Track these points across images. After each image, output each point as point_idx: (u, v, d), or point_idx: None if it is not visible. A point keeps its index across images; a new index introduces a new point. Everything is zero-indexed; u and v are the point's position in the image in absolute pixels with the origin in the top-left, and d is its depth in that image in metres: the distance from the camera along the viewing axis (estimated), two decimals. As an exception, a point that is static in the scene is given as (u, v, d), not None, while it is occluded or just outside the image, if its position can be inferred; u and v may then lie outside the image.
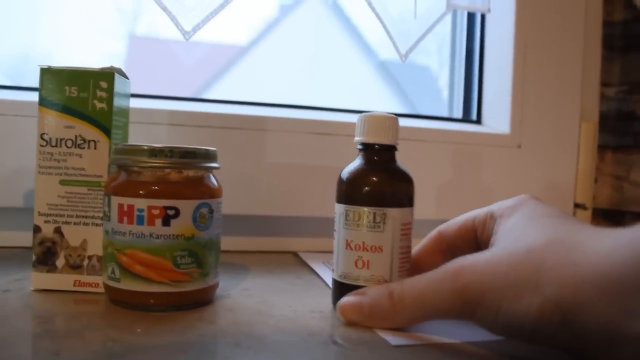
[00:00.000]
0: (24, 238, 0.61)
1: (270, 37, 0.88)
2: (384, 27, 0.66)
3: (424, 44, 0.91)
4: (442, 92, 0.99)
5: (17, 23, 0.74)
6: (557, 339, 0.34)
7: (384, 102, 0.94)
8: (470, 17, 0.86)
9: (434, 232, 0.49)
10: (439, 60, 0.98)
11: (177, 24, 0.62)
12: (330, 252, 0.46)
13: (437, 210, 0.74)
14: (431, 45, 0.95)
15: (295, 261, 0.65)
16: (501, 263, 0.36)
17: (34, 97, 0.47)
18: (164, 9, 0.62)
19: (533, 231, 0.37)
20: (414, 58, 0.96)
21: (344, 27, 0.93)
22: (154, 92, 0.73)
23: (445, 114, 0.88)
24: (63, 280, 0.46)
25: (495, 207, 0.43)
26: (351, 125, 0.65)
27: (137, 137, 0.56)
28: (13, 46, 0.76)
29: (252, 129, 0.68)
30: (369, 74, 0.95)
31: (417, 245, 0.48)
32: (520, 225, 0.39)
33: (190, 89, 0.83)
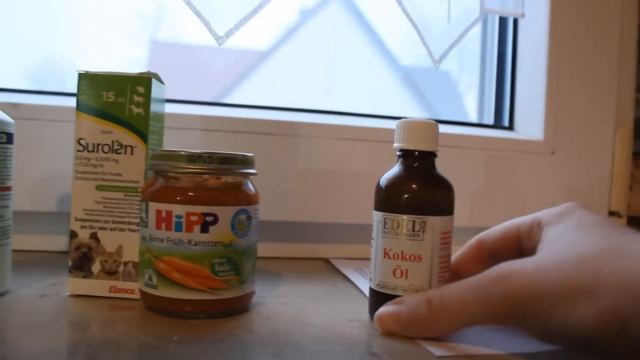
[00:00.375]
0: (59, 242, 0.62)
1: (290, 43, 0.88)
2: (418, 32, 0.66)
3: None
4: (462, 97, 0.98)
5: (40, 29, 0.75)
6: (611, 349, 0.33)
7: (404, 107, 0.93)
8: (502, 21, 0.85)
9: (473, 240, 0.48)
10: (459, 65, 0.97)
11: (210, 29, 0.62)
12: (362, 259, 0.45)
13: (470, 218, 0.72)
14: (453, 51, 0.94)
15: (327, 268, 0.64)
16: (553, 269, 0.35)
17: (68, 102, 0.47)
18: (197, 14, 0.62)
19: (584, 240, 0.36)
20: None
21: (365, 32, 0.92)
22: (177, 97, 0.73)
23: (464, 119, 0.87)
24: (99, 286, 0.46)
25: (541, 214, 0.42)
26: (383, 131, 0.65)
27: (170, 142, 0.56)
28: (36, 52, 0.76)
29: (285, 135, 0.67)
30: (388, 79, 0.94)
31: (456, 253, 0.47)
32: (569, 233, 0.38)
33: (212, 94, 0.83)
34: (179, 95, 0.73)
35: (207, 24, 0.62)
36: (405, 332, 0.40)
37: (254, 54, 0.88)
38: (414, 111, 0.93)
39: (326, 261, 0.67)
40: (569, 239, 0.37)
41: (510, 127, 0.83)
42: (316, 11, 0.92)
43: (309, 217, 0.68)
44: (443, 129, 0.77)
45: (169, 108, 0.65)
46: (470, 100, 0.93)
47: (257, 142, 0.66)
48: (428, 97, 0.94)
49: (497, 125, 0.84)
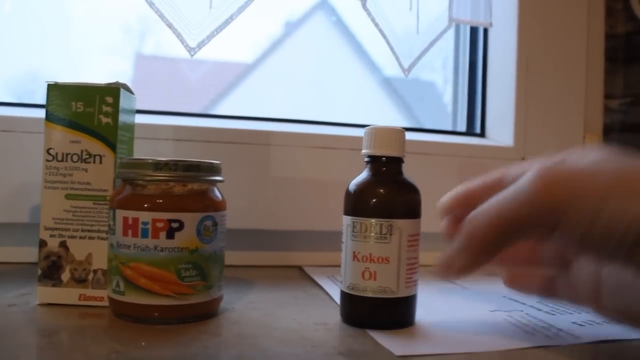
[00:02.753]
0: (30, 253, 0.62)
1: (275, 55, 0.89)
2: (387, 42, 0.67)
3: (429, 60, 0.92)
4: (447, 108, 0.99)
5: (25, 42, 0.75)
6: None
7: (389, 118, 0.94)
8: (474, 31, 0.86)
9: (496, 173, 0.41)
10: (444, 76, 0.99)
11: (182, 41, 0.63)
12: (336, 266, 0.46)
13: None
14: (436, 61, 0.96)
15: (300, 275, 0.65)
16: (602, 163, 0.31)
17: (39, 113, 0.48)
18: (169, 25, 0.62)
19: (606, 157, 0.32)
20: (419, 74, 0.97)
21: (349, 44, 0.94)
22: (162, 110, 0.74)
23: (448, 128, 0.89)
24: (68, 294, 0.46)
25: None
26: (355, 139, 0.66)
27: (144, 152, 0.57)
28: (21, 65, 0.77)
29: (257, 144, 0.68)
30: (374, 91, 0.95)
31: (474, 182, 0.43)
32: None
33: (198, 107, 0.84)
34: (165, 109, 0.74)
35: (179, 35, 0.63)
36: (455, 272, 0.37)
37: (239, 66, 0.89)
38: (399, 122, 0.94)
39: (300, 269, 0.68)
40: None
41: (482, 134, 0.84)
42: (301, 23, 0.93)
43: (282, 225, 0.69)
44: (417, 136, 0.79)
45: (144, 119, 0.65)
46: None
47: (230, 151, 0.67)
48: (413, 108, 0.95)
49: (470, 132, 0.85)
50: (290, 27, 0.91)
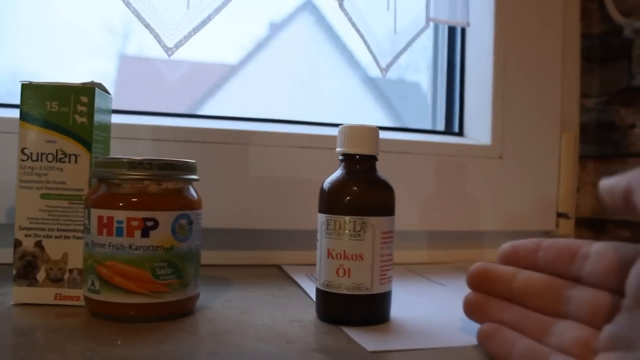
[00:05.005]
0: (6, 255, 0.61)
1: (260, 56, 0.89)
2: (365, 41, 0.68)
3: (414, 60, 0.93)
4: (431, 108, 1.00)
5: (7, 43, 0.75)
6: None
7: (375, 118, 0.94)
8: (452, 30, 0.87)
9: None
10: (428, 76, 0.99)
11: (159, 41, 0.63)
12: (315, 264, 0.46)
13: (421, 222, 0.74)
14: (421, 62, 0.96)
15: (279, 274, 0.65)
16: None
17: (15, 113, 0.48)
18: (147, 25, 0.62)
19: None
20: (404, 75, 0.98)
21: (335, 45, 0.94)
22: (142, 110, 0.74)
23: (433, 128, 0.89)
24: (44, 294, 0.46)
25: None
26: (333, 138, 0.66)
27: (122, 152, 0.57)
28: (3, 66, 0.76)
29: (236, 144, 0.68)
30: (360, 91, 0.95)
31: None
32: None
33: (182, 108, 0.84)
34: (149, 109, 0.74)
35: (156, 36, 0.63)
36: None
37: (224, 67, 0.89)
38: (385, 123, 0.94)
39: (279, 268, 0.68)
40: None
41: (460, 133, 0.85)
42: (286, 24, 0.93)
43: (262, 224, 0.69)
44: (397, 135, 0.79)
45: (123, 119, 0.65)
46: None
47: (209, 151, 0.67)
48: (398, 108, 0.96)
49: (448, 131, 0.86)
50: (275, 28, 0.91)
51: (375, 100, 0.96)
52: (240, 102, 0.85)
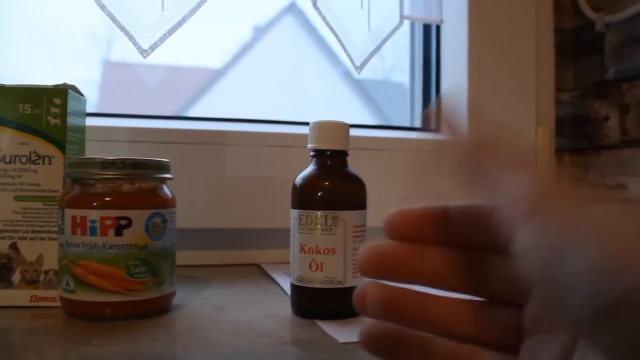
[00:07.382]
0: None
1: (245, 59, 0.90)
2: (339, 39, 0.68)
3: (398, 61, 0.94)
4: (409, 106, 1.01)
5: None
6: None
7: (360, 118, 0.95)
8: (427, 28, 0.88)
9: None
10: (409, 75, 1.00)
11: (134, 43, 0.63)
12: (293, 262, 0.47)
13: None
14: (405, 63, 0.97)
15: (258, 272, 0.66)
16: None
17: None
18: (122, 28, 0.63)
19: None
20: (388, 75, 0.99)
21: (319, 46, 0.94)
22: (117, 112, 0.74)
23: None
24: (19, 296, 0.47)
25: None
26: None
27: (99, 154, 0.57)
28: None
29: (213, 144, 0.69)
30: (346, 92, 0.96)
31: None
32: None
33: (168, 113, 0.84)
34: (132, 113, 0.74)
35: (131, 38, 0.63)
36: None
37: (208, 71, 0.89)
38: (369, 121, 0.94)
39: (258, 266, 0.69)
40: None
41: (438, 129, 0.86)
42: (269, 27, 0.94)
43: (241, 224, 0.70)
44: (375, 133, 0.80)
45: (100, 122, 0.66)
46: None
47: (186, 151, 0.67)
48: (383, 108, 0.96)
49: (425, 128, 0.87)
50: (259, 32, 0.92)
51: (360, 100, 0.97)
52: (225, 106, 0.86)
